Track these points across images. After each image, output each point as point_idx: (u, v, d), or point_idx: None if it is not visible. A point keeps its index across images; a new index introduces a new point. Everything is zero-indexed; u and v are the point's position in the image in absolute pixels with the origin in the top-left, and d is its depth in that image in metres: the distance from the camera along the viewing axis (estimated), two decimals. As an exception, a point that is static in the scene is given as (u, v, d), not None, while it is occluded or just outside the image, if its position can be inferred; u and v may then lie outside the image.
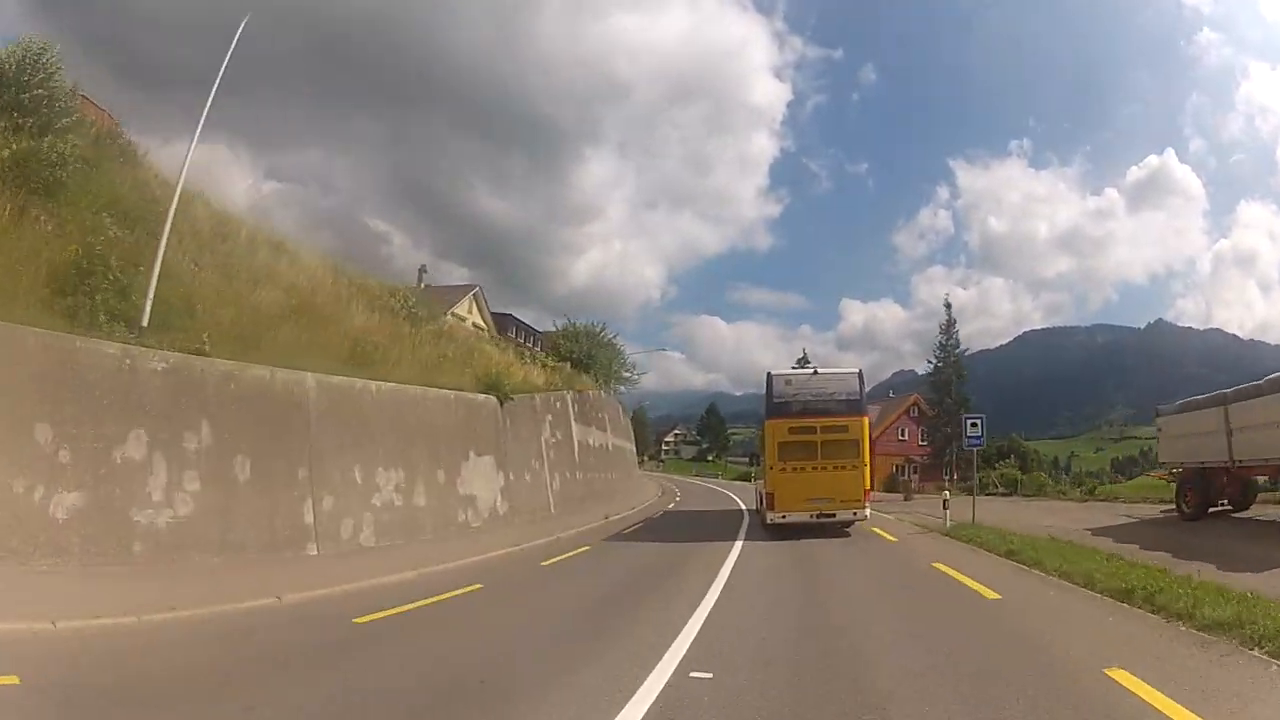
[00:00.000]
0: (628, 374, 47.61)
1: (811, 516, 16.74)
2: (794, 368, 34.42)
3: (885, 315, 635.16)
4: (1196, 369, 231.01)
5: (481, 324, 47.37)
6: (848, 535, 17.33)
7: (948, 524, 16.92)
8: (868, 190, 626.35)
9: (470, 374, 21.21)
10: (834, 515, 16.80)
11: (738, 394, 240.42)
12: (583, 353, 41.11)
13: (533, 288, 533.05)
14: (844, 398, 17.31)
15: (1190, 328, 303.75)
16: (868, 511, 17.43)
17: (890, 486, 49.10)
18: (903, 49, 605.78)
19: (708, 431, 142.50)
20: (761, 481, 20.55)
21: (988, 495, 37.86)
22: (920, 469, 55.04)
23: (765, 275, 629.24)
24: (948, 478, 51.51)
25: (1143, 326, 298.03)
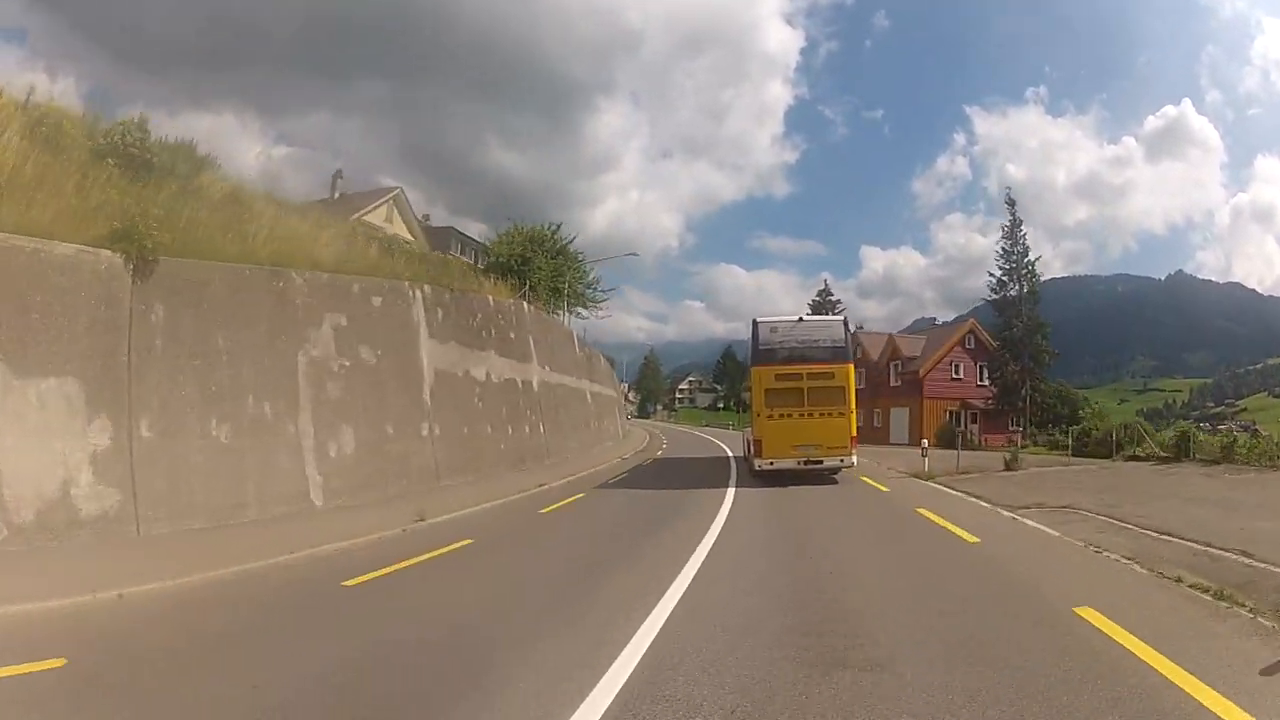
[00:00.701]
0: (590, 290, 35.27)
1: (799, 463, 16.23)
2: (816, 299, 24.67)
3: (905, 262, 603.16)
4: (1218, 322, 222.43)
5: (408, 236, 35.05)
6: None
7: None
8: (884, 137, 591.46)
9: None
10: (821, 462, 16.32)
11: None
12: (514, 258, 28.73)
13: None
14: (829, 345, 16.88)
15: (1210, 280, 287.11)
16: (854, 459, 16.65)
17: (949, 440, 36.76)
18: None
19: (724, 378, 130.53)
20: (749, 429, 19.17)
21: (1082, 459, 24.74)
22: (981, 416, 41.57)
23: (784, 223, 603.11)
24: (1018, 429, 38.86)
25: (1163, 278, 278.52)
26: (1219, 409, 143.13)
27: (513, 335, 21.71)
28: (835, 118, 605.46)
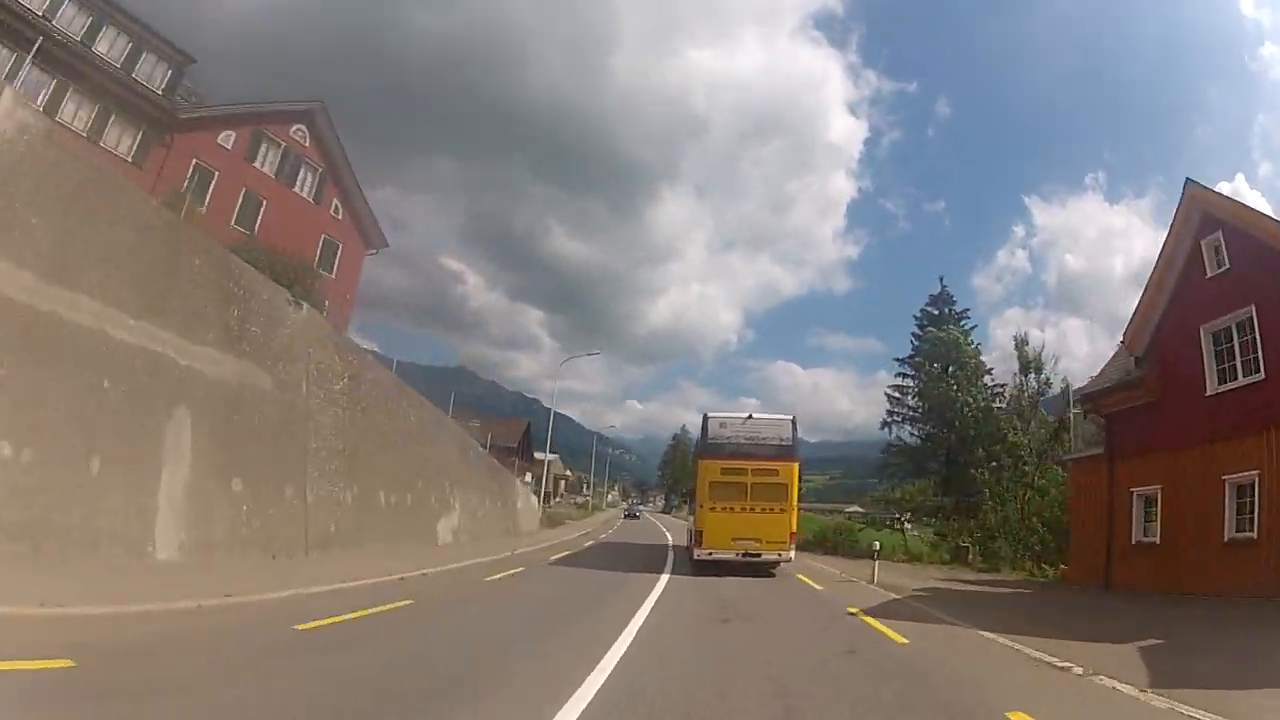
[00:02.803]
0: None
1: (737, 555, 16.15)
2: (928, 308, 36.48)
3: None
4: None
5: None
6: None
7: None
8: (945, 230, 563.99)
9: None
10: (759, 555, 16.20)
11: (813, 440, 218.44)
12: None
13: (611, 329, 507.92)
14: (776, 443, 16.72)
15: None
16: (792, 554, 16.62)
17: None
18: (976, 80, 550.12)
19: None
20: (693, 519, 19.19)
21: None
22: None
23: (843, 320, 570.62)
24: None
25: None
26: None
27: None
28: (897, 211, 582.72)
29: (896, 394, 39.04)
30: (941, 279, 42.39)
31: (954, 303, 39.91)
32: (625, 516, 65.76)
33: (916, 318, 40.27)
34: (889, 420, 38.85)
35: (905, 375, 39.08)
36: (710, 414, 17.41)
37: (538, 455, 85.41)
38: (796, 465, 16.84)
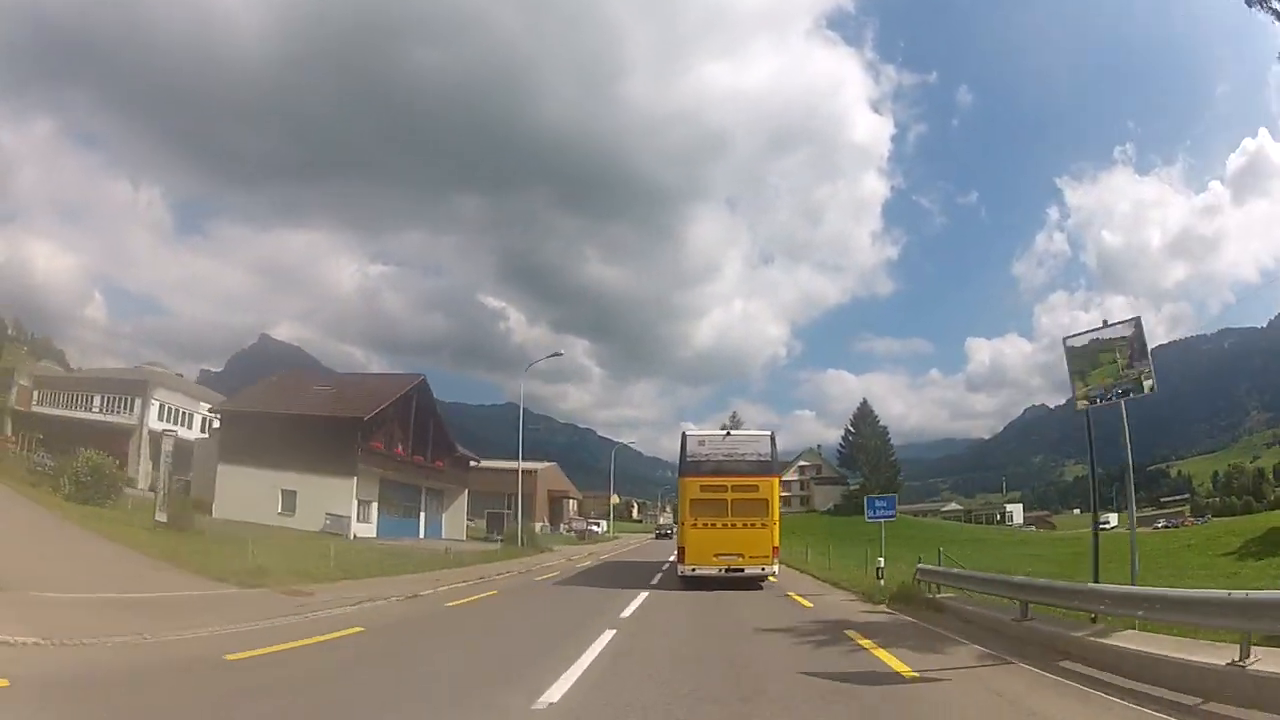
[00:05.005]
0: None
1: (720, 571, 16.23)
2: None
3: (1011, 350, 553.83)
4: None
5: None
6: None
7: None
8: (981, 221, 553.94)
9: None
10: (742, 570, 16.31)
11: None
12: None
13: (659, 353, 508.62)
14: (754, 459, 16.88)
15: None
16: (776, 568, 16.91)
17: None
18: (992, 63, 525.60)
19: (858, 455, 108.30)
20: (676, 536, 20.51)
21: None
22: None
23: (889, 323, 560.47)
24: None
25: (1264, 325, 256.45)
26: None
27: None
28: (932, 207, 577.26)
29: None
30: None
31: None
32: None
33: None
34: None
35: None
36: (689, 432, 17.49)
37: (486, 464, 49.27)
38: (776, 480, 17.11)
